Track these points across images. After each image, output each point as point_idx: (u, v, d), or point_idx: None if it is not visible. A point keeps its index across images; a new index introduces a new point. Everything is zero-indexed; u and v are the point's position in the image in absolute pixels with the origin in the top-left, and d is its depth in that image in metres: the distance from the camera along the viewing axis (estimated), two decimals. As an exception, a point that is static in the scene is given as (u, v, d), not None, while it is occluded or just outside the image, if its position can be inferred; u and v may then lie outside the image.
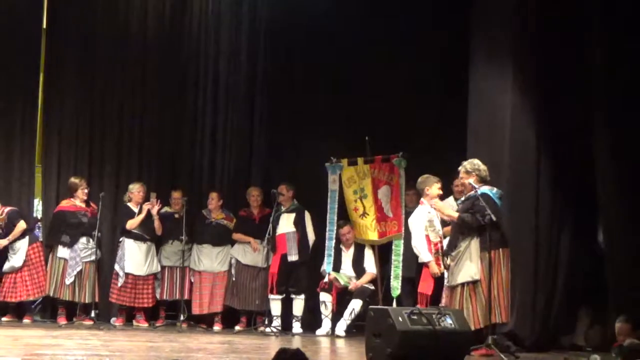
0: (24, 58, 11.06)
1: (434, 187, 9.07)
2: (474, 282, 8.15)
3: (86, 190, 10.66)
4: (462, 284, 8.21)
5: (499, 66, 9.32)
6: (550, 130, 9.14)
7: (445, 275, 8.73)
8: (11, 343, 8.11)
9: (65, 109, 11.20)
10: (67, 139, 11.17)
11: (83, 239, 10.50)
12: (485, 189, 8.29)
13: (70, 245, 10.47)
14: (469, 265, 8.17)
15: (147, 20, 11.45)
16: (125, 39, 11.39)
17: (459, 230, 8.32)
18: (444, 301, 8.76)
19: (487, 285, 8.03)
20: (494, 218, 7.92)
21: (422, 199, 9.19)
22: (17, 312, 10.60)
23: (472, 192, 8.26)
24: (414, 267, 9.42)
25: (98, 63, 11.30)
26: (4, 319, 10.43)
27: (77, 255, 10.46)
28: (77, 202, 10.64)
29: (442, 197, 9.17)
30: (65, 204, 10.68)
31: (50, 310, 10.77)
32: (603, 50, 8.75)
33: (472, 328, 7.89)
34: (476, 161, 8.46)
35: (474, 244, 8.17)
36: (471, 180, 8.30)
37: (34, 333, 9.24)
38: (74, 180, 10.71)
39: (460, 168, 8.49)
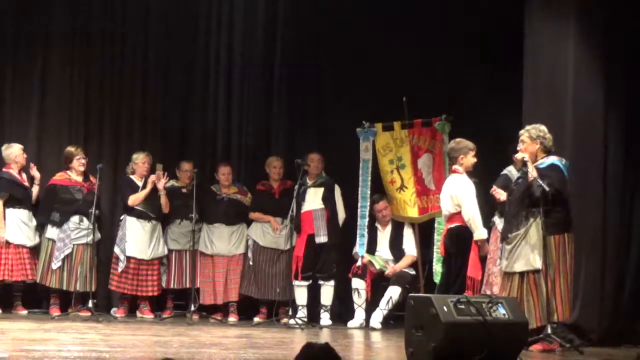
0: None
1: (469, 156, 8.97)
2: (536, 272, 8.07)
3: (83, 161, 10.60)
4: (522, 273, 8.15)
5: (559, 16, 9.25)
6: (620, 90, 9.07)
7: (490, 255, 8.96)
8: (-3, 337, 8.21)
9: (55, 67, 11.17)
10: (58, 101, 11.12)
11: (75, 218, 10.45)
12: (553, 159, 8.25)
13: (59, 224, 10.44)
14: (531, 252, 8.10)
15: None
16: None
17: (522, 209, 8.22)
18: (493, 288, 8.88)
19: (550, 275, 8.02)
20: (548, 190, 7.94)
21: (455, 167, 9.04)
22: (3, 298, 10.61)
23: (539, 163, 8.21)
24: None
25: (94, 18, 11.31)
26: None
27: (67, 236, 10.41)
28: (73, 175, 10.62)
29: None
30: (58, 176, 10.63)
31: (41, 299, 10.75)
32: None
33: (534, 325, 7.94)
34: (543, 127, 8.37)
35: (537, 226, 8.09)
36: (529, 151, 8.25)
37: (22, 325, 9.28)
38: (69, 149, 10.67)
39: (522, 132, 8.38)
